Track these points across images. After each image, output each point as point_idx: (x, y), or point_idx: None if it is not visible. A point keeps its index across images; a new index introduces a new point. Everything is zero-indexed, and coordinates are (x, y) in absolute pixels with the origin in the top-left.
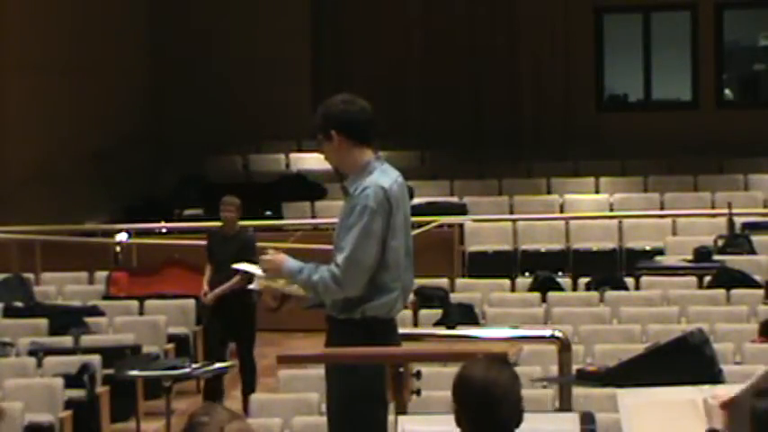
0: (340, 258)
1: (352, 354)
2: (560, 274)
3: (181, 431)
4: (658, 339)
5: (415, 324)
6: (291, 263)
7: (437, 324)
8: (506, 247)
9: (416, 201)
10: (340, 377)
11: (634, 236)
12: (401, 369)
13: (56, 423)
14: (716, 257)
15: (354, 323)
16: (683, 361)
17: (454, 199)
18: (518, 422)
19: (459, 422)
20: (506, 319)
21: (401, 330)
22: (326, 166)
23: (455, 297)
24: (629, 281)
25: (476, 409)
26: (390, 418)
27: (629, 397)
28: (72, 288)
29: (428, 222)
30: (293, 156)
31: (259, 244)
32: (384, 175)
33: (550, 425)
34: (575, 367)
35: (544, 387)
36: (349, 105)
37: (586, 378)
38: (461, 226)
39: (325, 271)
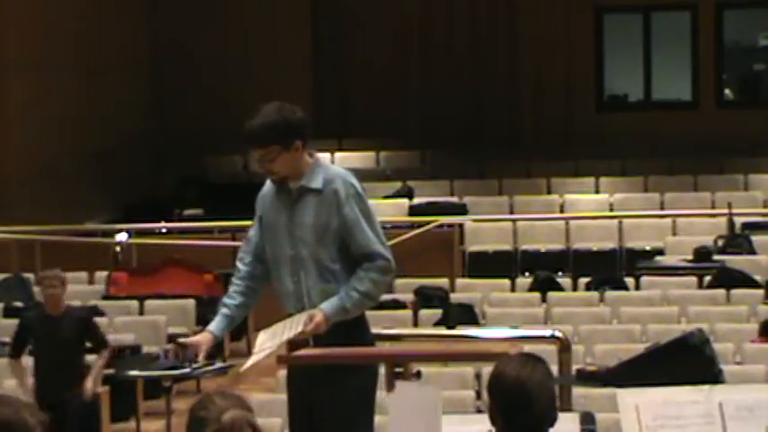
0: (374, 247)
1: (352, 354)
2: (560, 274)
3: (186, 427)
4: (658, 339)
5: (415, 324)
6: (330, 309)
7: (437, 324)
8: (506, 247)
9: (416, 201)
10: (341, 378)
11: (634, 236)
12: (401, 369)
13: None
14: (716, 257)
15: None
16: (683, 361)
17: (454, 199)
18: (553, 420)
19: (493, 420)
20: (506, 319)
21: (401, 330)
22: None
23: (455, 297)
24: (629, 281)
25: (510, 406)
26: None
27: (629, 397)
28: (72, 288)
29: (428, 222)
30: None
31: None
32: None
33: None
34: (575, 367)
35: None
36: (299, 113)
37: (586, 378)
38: (461, 226)
39: (370, 273)
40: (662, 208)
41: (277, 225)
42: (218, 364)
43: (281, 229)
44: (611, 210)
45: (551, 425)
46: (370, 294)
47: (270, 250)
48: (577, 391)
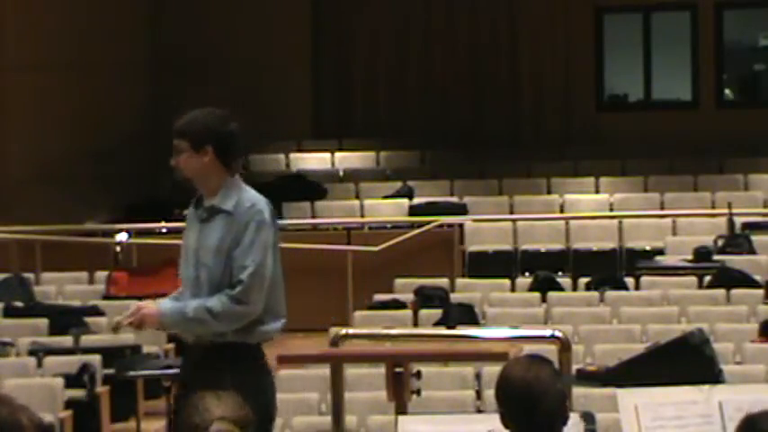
0: (243, 276)
1: (353, 354)
2: (560, 274)
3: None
4: (658, 339)
5: (415, 324)
6: (168, 305)
7: (437, 324)
8: (506, 247)
9: (416, 201)
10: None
11: (634, 236)
12: (401, 369)
13: (56, 423)
14: (716, 257)
15: (248, 347)
16: (683, 361)
17: (454, 199)
18: (564, 419)
19: (504, 423)
20: (506, 319)
21: (402, 330)
22: (326, 166)
23: (455, 297)
24: (629, 281)
25: (518, 407)
26: (390, 418)
27: (629, 397)
28: (72, 288)
29: (428, 222)
30: (293, 156)
31: None
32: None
33: None
34: (575, 367)
35: None
36: (231, 126)
37: (586, 378)
38: (461, 226)
39: (222, 296)
40: (662, 208)
41: (188, 244)
42: None
43: (189, 249)
44: (611, 210)
45: (564, 423)
46: (214, 312)
47: (180, 269)
48: (577, 391)
